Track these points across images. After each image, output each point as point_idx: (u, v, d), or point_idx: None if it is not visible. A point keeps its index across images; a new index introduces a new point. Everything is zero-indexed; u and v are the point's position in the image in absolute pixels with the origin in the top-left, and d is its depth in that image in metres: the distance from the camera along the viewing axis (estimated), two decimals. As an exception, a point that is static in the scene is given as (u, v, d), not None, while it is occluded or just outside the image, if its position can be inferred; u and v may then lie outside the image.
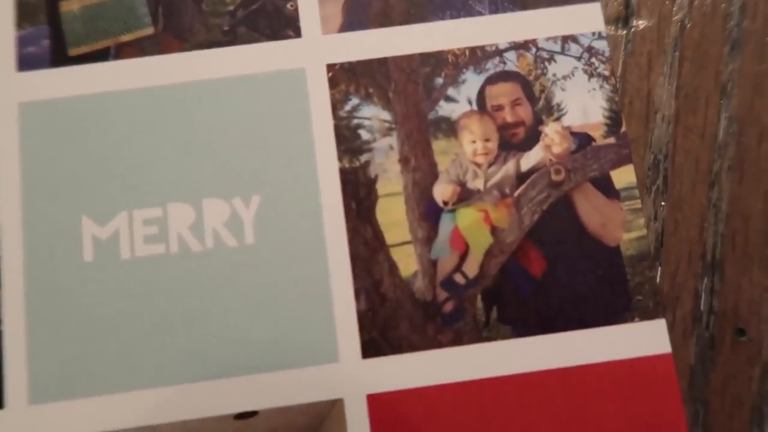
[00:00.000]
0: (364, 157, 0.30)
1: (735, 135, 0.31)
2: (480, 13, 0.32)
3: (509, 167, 0.30)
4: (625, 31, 0.32)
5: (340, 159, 0.30)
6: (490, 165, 0.30)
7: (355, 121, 0.31)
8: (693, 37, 0.32)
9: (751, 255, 0.30)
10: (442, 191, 0.30)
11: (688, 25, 0.32)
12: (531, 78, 0.31)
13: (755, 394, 0.29)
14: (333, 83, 0.31)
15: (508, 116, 0.31)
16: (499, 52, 0.31)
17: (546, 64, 0.32)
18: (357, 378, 0.28)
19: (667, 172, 0.31)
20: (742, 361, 0.29)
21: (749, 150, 0.31)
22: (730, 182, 0.31)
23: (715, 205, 0.30)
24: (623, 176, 0.30)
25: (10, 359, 0.27)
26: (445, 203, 0.30)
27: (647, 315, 0.29)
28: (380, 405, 0.28)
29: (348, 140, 0.30)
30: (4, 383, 0.27)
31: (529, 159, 0.30)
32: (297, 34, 0.32)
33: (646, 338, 0.29)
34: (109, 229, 0.29)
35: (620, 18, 0.32)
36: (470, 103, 0.31)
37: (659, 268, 0.29)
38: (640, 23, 0.32)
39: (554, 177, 0.30)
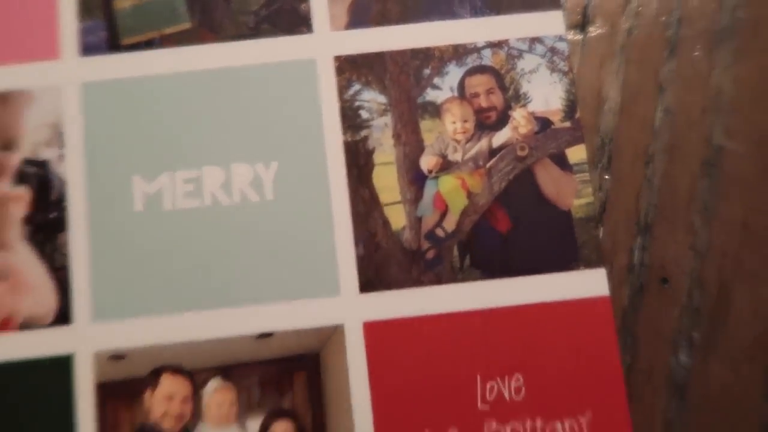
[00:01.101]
0: (363, 133, 0.35)
1: (669, 124, 0.35)
2: (462, 17, 0.36)
3: (483, 144, 0.35)
4: (581, 36, 0.36)
5: (344, 133, 0.34)
6: (467, 141, 0.35)
7: (357, 102, 0.35)
8: (637, 43, 0.36)
9: (677, 221, 0.34)
10: (427, 162, 0.35)
11: (634, 33, 0.36)
12: (503, 71, 0.36)
13: (674, 330, 0.33)
14: (339, 72, 0.35)
15: (483, 102, 0.35)
16: (477, 50, 0.36)
17: (516, 60, 0.36)
18: (355, 308, 0.33)
19: (611, 153, 0.35)
20: (665, 303, 0.33)
21: (680, 136, 0.34)
22: (663, 162, 0.34)
23: (649, 180, 0.34)
24: (576, 154, 0.35)
25: (77, 285, 0.33)
26: (430, 171, 0.35)
27: (591, 265, 0.33)
28: (374, 330, 0.33)
29: (351, 118, 0.35)
30: (73, 304, 0.33)
31: (500, 137, 0.35)
32: (309, 30, 0.36)
33: (589, 283, 0.33)
34: (156, 186, 0.34)
35: (578, 25, 0.36)
36: (452, 90, 0.35)
37: (601, 229, 0.34)
38: (595, 30, 0.36)
39: (519, 152, 0.35)
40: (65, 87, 0.35)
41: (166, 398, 0.32)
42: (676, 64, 0.36)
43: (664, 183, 0.34)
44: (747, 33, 0.36)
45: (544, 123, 0.35)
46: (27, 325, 0.33)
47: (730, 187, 0.34)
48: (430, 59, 0.36)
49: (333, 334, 0.33)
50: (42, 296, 0.33)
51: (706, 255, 0.33)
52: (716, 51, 0.35)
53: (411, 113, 0.35)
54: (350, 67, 0.35)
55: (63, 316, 0.33)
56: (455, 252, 0.34)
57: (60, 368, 0.32)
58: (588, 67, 0.36)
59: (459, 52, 0.36)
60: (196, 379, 0.32)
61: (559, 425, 0.32)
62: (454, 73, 0.36)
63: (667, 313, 0.33)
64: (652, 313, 0.33)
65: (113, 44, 0.36)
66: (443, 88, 0.36)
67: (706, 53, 0.35)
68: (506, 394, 0.32)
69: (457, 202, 0.35)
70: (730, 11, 0.36)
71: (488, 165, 0.35)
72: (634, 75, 0.36)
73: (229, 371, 0.33)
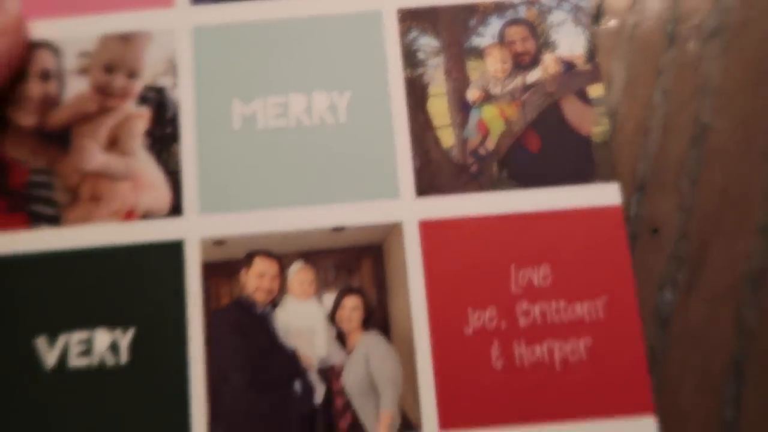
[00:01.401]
0: (420, 70, 0.40)
1: (665, 103, 0.39)
2: (503, -21, 0.42)
3: (518, 81, 0.40)
4: (595, 28, 0.40)
5: (404, 70, 0.40)
6: (505, 78, 0.40)
7: (415, 46, 0.40)
8: (641, 35, 0.40)
9: (667, 183, 0.38)
10: (472, 94, 0.40)
11: (639, 27, 0.40)
12: (535, 24, 0.40)
13: (661, 272, 0.37)
14: (401, 21, 0.40)
15: (519, 48, 0.40)
16: (513, 6, 0.41)
17: (546, 15, 0.41)
18: (412, 209, 0.38)
19: (615, 125, 0.39)
20: (654, 250, 0.38)
21: (673, 114, 0.39)
22: (658, 134, 0.38)
23: (645, 149, 0.39)
24: (595, 90, 0.39)
25: (187, 185, 0.38)
26: (474, 102, 0.40)
27: (606, 179, 0.38)
28: (427, 227, 0.38)
29: (410, 58, 0.40)
30: (184, 199, 0.39)
31: (532, 76, 0.40)
32: (376, -13, 0.41)
33: (605, 194, 0.38)
34: (251, 109, 0.39)
35: (593, 18, 0.41)
36: (493, 38, 0.40)
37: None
38: (606, 23, 0.40)
39: (548, 89, 0.40)
40: (179, 30, 0.41)
41: (258, 276, 0.39)
42: (672, 54, 0.40)
43: (658, 152, 0.38)
44: (734, 31, 0.40)
45: (568, 65, 0.40)
46: (147, 215, 0.39)
47: (713, 158, 0.38)
48: (476, 12, 0.41)
49: (394, 230, 0.38)
50: (159, 193, 0.39)
51: (690, 212, 0.38)
52: (707, 44, 0.40)
53: (459, 55, 0.41)
54: (410, 17, 0.41)
55: (176, 209, 0.39)
56: (494, 167, 0.39)
57: (173, 251, 0.39)
58: (599, 53, 0.40)
59: (499, 7, 0.41)
60: (283, 261, 0.39)
61: (578, 306, 0.38)
62: (495, 24, 0.41)
63: (656, 258, 0.37)
64: (643, 257, 0.38)
65: (217, -4, 0.42)
66: (486, 36, 0.41)
67: (699, 46, 0.40)
68: (535, 281, 0.38)
69: (497, 127, 0.40)
70: (721, 12, 0.40)
71: (523, 98, 0.40)
72: (637, 61, 0.40)
73: (309, 256, 0.39)
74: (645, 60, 0.40)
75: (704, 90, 0.39)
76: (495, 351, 0.38)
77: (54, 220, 0.39)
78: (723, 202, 0.38)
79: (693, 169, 0.38)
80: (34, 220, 0.39)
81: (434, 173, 0.39)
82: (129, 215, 0.39)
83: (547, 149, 0.39)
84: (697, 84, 0.39)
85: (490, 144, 0.40)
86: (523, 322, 0.38)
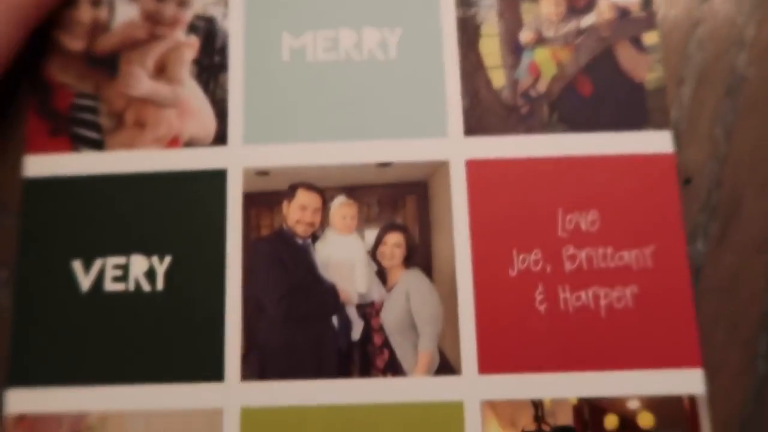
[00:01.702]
0: (473, 10, 0.40)
1: (700, 54, 0.40)
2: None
3: (572, 24, 0.40)
4: None
5: (457, 9, 0.40)
6: (559, 22, 0.40)
7: None
8: None
9: (701, 133, 0.39)
10: (524, 36, 0.40)
11: None
12: None
13: (693, 222, 0.38)
14: None
15: None
16: None
17: None
18: (460, 148, 0.38)
19: None
20: (687, 199, 0.38)
21: (709, 65, 0.40)
22: (693, 84, 0.40)
23: (679, 96, 0.39)
24: (650, 38, 0.40)
25: (232, 114, 0.39)
26: (527, 44, 0.40)
27: (659, 127, 0.38)
28: (474, 167, 0.38)
29: None
30: (228, 129, 0.39)
31: (587, 20, 0.40)
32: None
33: (657, 142, 0.38)
34: (300, 42, 0.40)
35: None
36: None
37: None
38: None
39: (603, 33, 0.40)
40: (230, -40, 0.42)
41: (300, 208, 0.39)
42: (708, 7, 0.41)
43: (693, 101, 0.39)
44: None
45: (624, 11, 0.41)
46: (191, 143, 0.39)
47: (748, 109, 0.39)
48: (531, -45, 0.42)
49: (440, 168, 0.38)
50: (204, 121, 0.39)
51: (724, 162, 0.38)
52: (742, 1, 0.41)
53: (514, -2, 0.41)
54: (464, -43, 0.42)
55: (220, 138, 0.39)
56: (545, 109, 0.39)
57: (215, 180, 0.38)
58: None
59: (556, -49, 0.42)
60: (326, 195, 0.39)
61: (626, 254, 0.38)
62: (550, -33, 0.42)
63: (689, 207, 0.38)
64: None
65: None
66: (541, -21, 0.42)
67: (735, 1, 0.41)
68: (583, 226, 0.38)
69: (549, 70, 0.40)
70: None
71: (576, 42, 0.40)
72: (674, 13, 0.41)
73: (352, 191, 0.39)
74: (681, 13, 0.40)
75: (740, 42, 0.40)
76: (539, 294, 0.37)
77: (97, 145, 0.39)
78: (757, 153, 0.38)
79: (727, 119, 0.39)
80: (77, 143, 0.39)
81: (483, 113, 0.39)
82: (173, 143, 0.39)
83: (599, 94, 0.39)
84: (733, 37, 0.40)
85: (542, 86, 0.40)
86: (568, 266, 0.37)
